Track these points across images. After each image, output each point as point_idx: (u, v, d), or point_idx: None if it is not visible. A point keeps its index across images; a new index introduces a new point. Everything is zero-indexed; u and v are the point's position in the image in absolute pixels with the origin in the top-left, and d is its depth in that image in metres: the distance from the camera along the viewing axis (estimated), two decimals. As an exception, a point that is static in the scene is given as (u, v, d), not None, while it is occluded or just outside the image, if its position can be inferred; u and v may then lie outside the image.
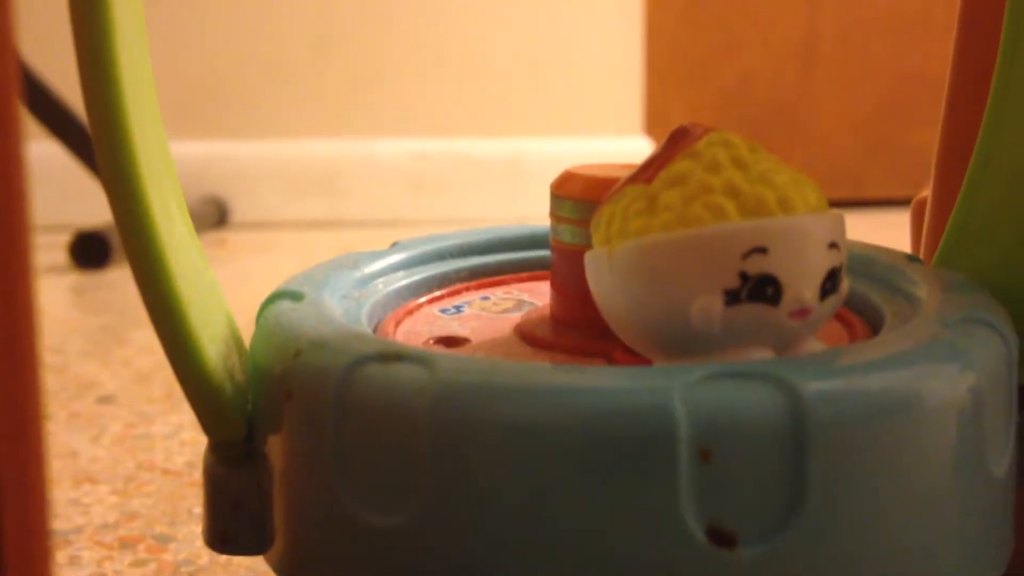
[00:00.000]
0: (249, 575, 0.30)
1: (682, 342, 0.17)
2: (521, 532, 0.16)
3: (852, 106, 1.02)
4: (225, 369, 0.19)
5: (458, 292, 0.24)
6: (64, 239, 0.90)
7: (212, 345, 0.19)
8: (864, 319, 0.21)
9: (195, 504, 0.36)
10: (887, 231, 1.10)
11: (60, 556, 0.32)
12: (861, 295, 0.22)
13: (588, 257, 0.18)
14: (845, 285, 0.18)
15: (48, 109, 0.92)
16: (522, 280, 0.25)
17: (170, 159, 0.21)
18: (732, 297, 0.16)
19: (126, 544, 0.33)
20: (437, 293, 0.24)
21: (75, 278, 0.85)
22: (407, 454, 0.16)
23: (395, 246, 0.25)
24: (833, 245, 0.17)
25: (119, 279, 0.85)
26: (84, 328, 0.69)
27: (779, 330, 0.17)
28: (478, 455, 0.16)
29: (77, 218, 0.91)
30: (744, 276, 0.16)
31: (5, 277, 0.13)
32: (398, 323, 0.22)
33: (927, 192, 0.27)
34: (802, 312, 0.17)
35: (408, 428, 0.16)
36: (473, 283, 0.25)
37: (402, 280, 0.24)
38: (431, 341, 0.21)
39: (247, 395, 0.19)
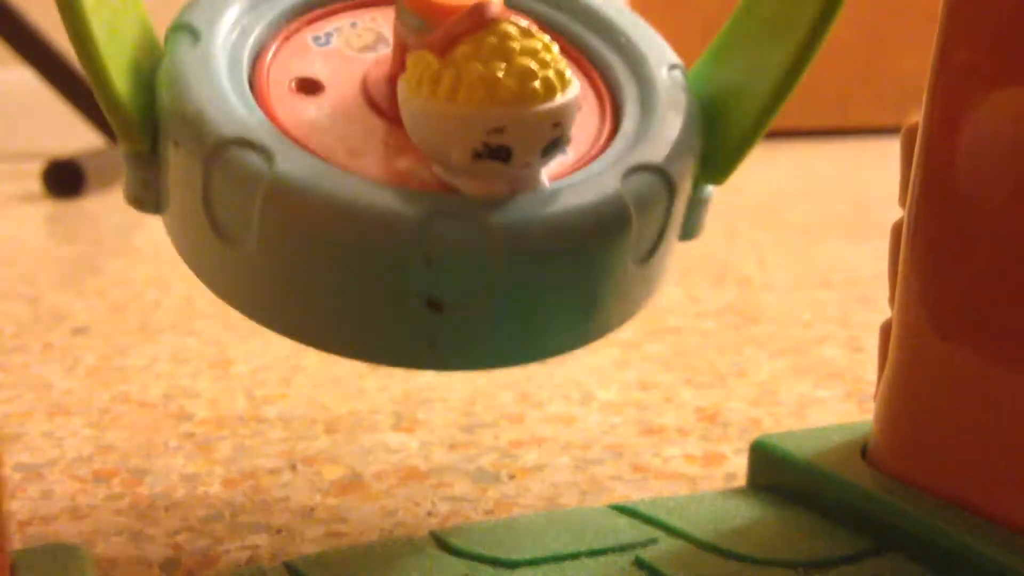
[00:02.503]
0: (225, 509, 0.30)
1: (447, 165, 0.23)
2: (313, 276, 0.23)
3: (837, 33, 1.00)
4: (137, 89, 0.24)
5: (335, 12, 0.27)
6: (38, 167, 0.88)
7: (127, 72, 0.23)
8: (606, 83, 0.27)
9: (170, 437, 0.36)
10: (872, 158, 1.09)
11: (33, 490, 0.31)
12: (603, 58, 0.27)
13: (399, 91, 0.23)
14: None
15: (17, 34, 0.90)
16: (389, 3, 0.27)
17: None
18: (476, 155, 0.23)
19: (100, 477, 0.32)
20: (317, 11, 0.27)
21: (49, 207, 0.84)
22: (247, 214, 0.23)
23: None
24: (557, 124, 0.23)
25: (94, 208, 0.83)
26: (58, 258, 0.68)
27: (512, 176, 0.23)
28: (290, 228, 0.23)
29: (50, 146, 0.90)
30: (486, 144, 0.22)
31: None
32: (276, 52, 0.26)
33: (918, 118, 0.26)
34: (526, 165, 0.23)
35: (248, 198, 0.23)
36: (350, 2, 0.27)
37: (281, 26, 0.26)
38: (292, 83, 0.25)
39: (154, 118, 0.24)
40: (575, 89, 0.23)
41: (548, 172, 0.24)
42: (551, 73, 0.23)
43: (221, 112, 0.23)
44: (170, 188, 0.24)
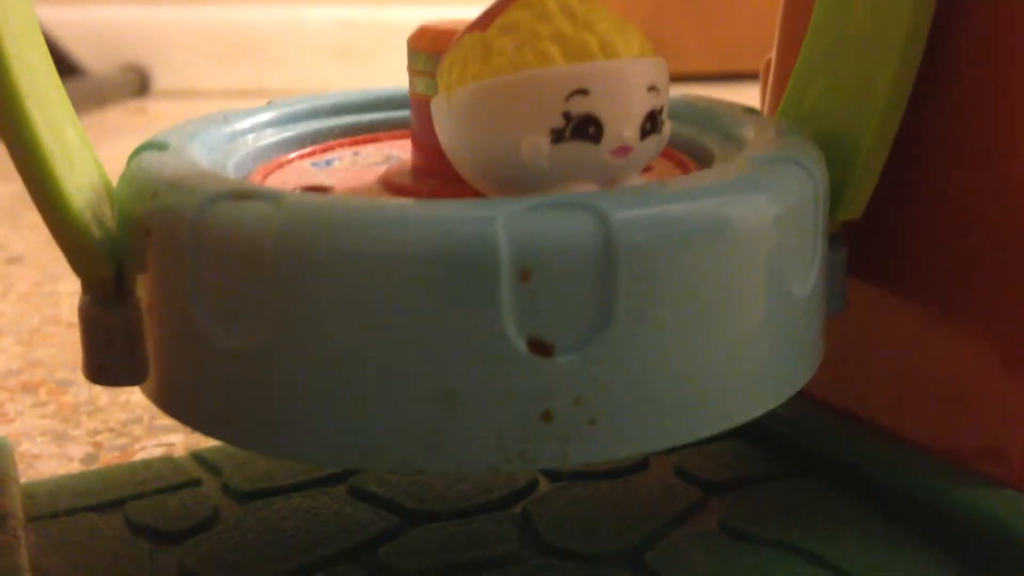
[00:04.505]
0: (145, 413, 0.32)
1: (516, 179, 0.19)
2: (360, 351, 0.17)
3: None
4: (93, 215, 0.20)
5: (330, 148, 0.25)
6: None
7: (79, 193, 0.20)
8: (697, 162, 0.23)
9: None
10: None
11: (-37, 399, 0.33)
12: (696, 141, 0.23)
13: (433, 104, 0.20)
14: (667, 127, 0.19)
15: None
16: (396, 138, 0.26)
17: (32, 12, 0.21)
18: (558, 136, 0.18)
19: (28, 388, 0.34)
20: (309, 149, 0.24)
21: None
22: (256, 282, 0.18)
23: (270, 104, 0.25)
24: (652, 88, 0.19)
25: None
26: (-4, 193, 0.69)
27: (602, 166, 0.18)
28: (316, 281, 0.17)
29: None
30: (567, 116, 0.18)
31: None
32: (267, 175, 0.23)
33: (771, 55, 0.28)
34: (622, 150, 0.18)
35: (255, 258, 0.18)
36: (346, 140, 0.25)
37: (273, 136, 0.24)
38: (296, 190, 0.22)
39: (115, 240, 0.20)
40: (661, 59, 0.19)
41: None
42: (630, 34, 0.19)
43: (204, 177, 0.19)
44: (146, 314, 0.20)
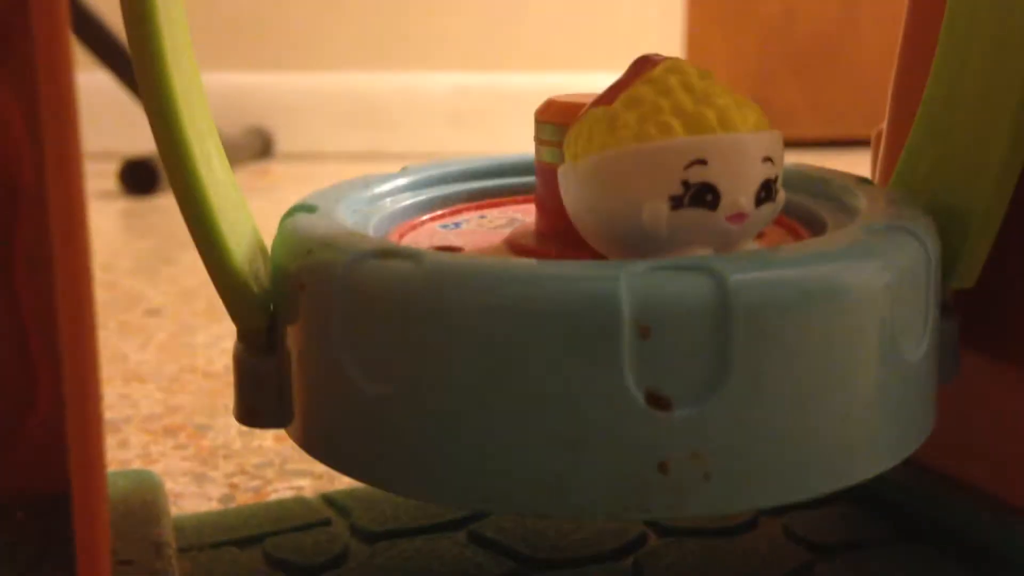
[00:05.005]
0: (276, 458, 0.34)
1: (637, 243, 0.20)
2: (488, 397, 0.19)
3: (896, 39, 1.02)
4: (250, 269, 0.22)
5: (458, 211, 0.27)
6: (114, 167, 0.94)
7: (239, 249, 0.22)
8: (810, 230, 0.24)
9: (231, 400, 0.40)
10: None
11: (111, 440, 0.36)
12: (809, 209, 0.24)
13: (560, 171, 0.22)
14: (782, 196, 0.21)
15: (97, 39, 0.95)
16: (518, 202, 0.28)
17: (202, 88, 0.24)
18: (676, 202, 0.19)
19: (169, 431, 0.37)
20: (439, 212, 0.26)
21: (125, 203, 0.89)
22: (397, 332, 0.20)
23: (404, 170, 0.27)
24: (767, 159, 0.20)
25: (166, 204, 0.89)
26: (133, 249, 0.73)
27: (718, 232, 0.20)
28: (452, 332, 0.19)
29: (126, 146, 0.95)
30: (686, 184, 0.19)
31: (60, 203, 0.16)
32: (402, 236, 0.25)
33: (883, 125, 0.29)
34: (738, 216, 0.20)
35: (397, 309, 0.20)
36: (472, 204, 0.27)
37: (408, 200, 0.26)
38: (430, 249, 0.23)
39: (269, 293, 0.23)
40: (776, 131, 0.21)
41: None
42: (747, 109, 0.20)
43: (352, 237, 0.21)
44: (295, 362, 0.22)
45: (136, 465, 0.34)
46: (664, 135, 0.19)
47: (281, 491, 0.32)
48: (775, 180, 0.20)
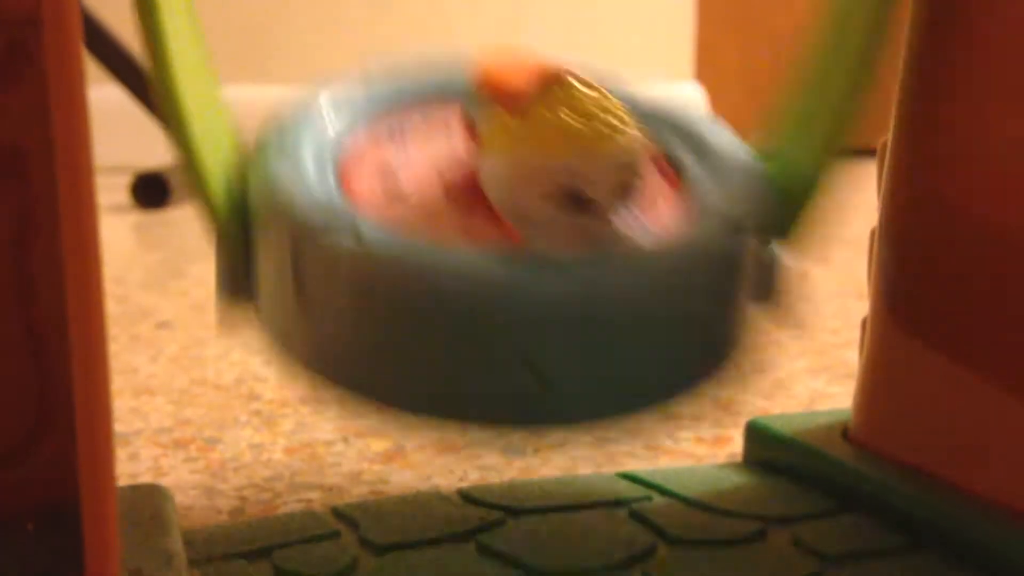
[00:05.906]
0: (286, 471, 0.34)
1: (527, 231, 0.25)
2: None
3: (900, 50, 1.02)
4: (224, 171, 0.26)
5: (406, 114, 0.28)
6: (126, 180, 0.94)
7: (215, 155, 0.26)
8: (676, 172, 0.28)
9: (240, 414, 0.40)
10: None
11: (121, 453, 0.36)
12: (676, 156, 0.28)
13: (482, 161, 0.26)
14: (639, 186, 0.25)
15: (109, 53, 0.96)
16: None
17: (218, 97, 0.26)
18: (554, 203, 0.24)
19: (179, 444, 0.37)
20: (390, 113, 0.28)
21: (136, 217, 0.90)
22: (339, 292, 0.25)
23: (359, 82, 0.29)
24: (626, 166, 0.24)
25: (177, 218, 0.89)
26: (144, 262, 0.74)
27: (592, 229, 0.24)
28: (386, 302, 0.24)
29: (138, 160, 0.96)
30: (561, 188, 0.24)
31: (72, 216, 0.16)
32: (360, 157, 0.27)
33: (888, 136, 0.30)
34: (604, 214, 0.24)
35: (338, 280, 0.24)
36: (417, 104, 0.29)
37: (359, 127, 0.28)
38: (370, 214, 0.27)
39: (243, 203, 0.26)
40: (639, 135, 0.25)
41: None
42: (613, 118, 0.25)
43: (310, 199, 0.25)
44: (261, 272, 0.26)
45: (146, 478, 0.34)
46: (546, 148, 0.24)
47: (290, 504, 0.32)
48: (633, 181, 0.25)
